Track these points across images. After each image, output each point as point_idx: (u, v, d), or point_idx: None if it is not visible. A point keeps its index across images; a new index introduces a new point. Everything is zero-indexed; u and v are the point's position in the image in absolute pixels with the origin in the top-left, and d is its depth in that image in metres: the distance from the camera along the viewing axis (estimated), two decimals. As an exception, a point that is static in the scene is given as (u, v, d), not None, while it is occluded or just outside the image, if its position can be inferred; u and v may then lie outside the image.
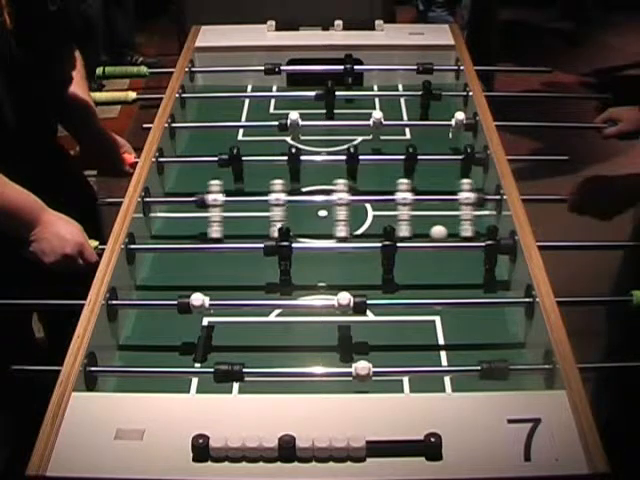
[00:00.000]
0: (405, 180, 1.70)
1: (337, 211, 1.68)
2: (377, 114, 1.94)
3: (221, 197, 1.69)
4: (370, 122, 1.94)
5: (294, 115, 1.93)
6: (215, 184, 1.70)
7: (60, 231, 1.59)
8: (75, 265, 1.59)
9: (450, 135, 1.96)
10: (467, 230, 1.68)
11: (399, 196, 1.68)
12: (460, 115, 1.94)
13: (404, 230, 1.66)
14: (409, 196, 1.67)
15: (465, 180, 1.71)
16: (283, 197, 1.68)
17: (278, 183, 1.69)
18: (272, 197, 1.67)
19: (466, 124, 1.95)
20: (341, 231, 1.67)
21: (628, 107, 2.03)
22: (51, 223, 1.58)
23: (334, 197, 1.68)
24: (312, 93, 2.13)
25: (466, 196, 1.68)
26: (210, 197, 1.69)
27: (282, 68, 2.26)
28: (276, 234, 1.63)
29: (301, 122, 1.94)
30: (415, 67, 2.22)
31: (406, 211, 1.67)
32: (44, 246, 1.58)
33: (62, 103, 1.85)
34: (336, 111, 2.10)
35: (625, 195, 1.75)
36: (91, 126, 1.92)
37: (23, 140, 1.65)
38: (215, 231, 1.68)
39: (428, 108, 2.11)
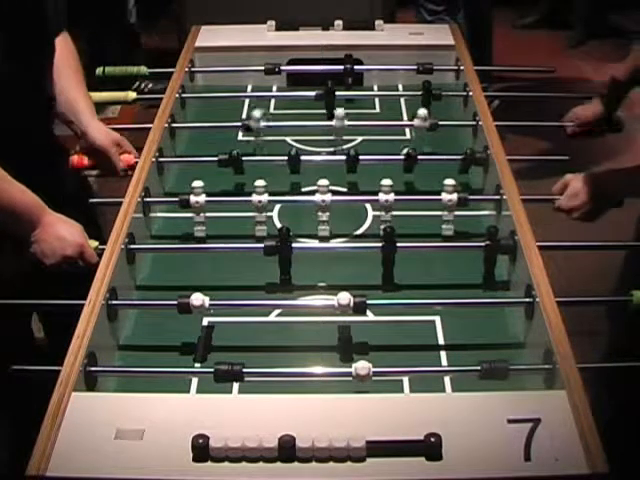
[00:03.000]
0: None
1: (319, 212, 1.69)
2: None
3: (203, 198, 1.69)
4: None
5: (257, 113, 1.94)
6: (198, 185, 1.71)
7: (60, 232, 1.58)
8: (75, 266, 1.58)
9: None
10: (449, 230, 1.69)
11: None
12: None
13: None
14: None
15: (448, 181, 1.70)
16: (265, 198, 1.68)
17: (260, 185, 1.70)
18: (255, 199, 1.68)
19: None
20: (324, 230, 1.69)
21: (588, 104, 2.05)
22: (51, 224, 1.58)
23: (317, 198, 1.69)
24: (312, 93, 2.14)
25: (449, 197, 1.68)
26: (192, 199, 1.70)
27: (282, 68, 2.26)
28: (264, 234, 1.66)
29: (263, 123, 1.94)
30: (415, 67, 2.22)
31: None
32: (44, 247, 1.57)
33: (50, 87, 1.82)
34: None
35: (608, 195, 1.73)
36: (84, 122, 1.86)
37: (20, 133, 1.64)
38: (199, 231, 1.71)
39: (428, 108, 2.11)
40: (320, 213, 1.69)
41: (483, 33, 3.92)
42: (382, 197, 1.69)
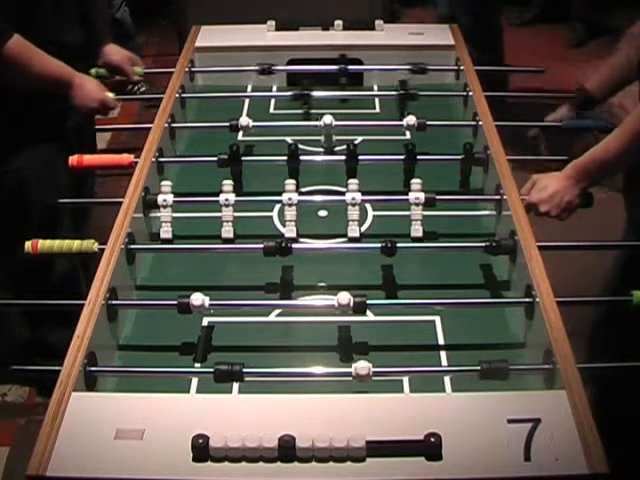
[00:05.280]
0: (355, 180, 1.70)
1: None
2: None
3: (170, 197, 1.69)
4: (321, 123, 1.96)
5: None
6: (227, 184, 1.70)
7: (85, 91, 2.12)
8: (99, 112, 2.21)
9: None
10: (417, 230, 1.67)
11: (348, 196, 1.68)
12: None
13: (354, 231, 1.67)
14: (358, 196, 1.67)
15: (415, 180, 1.70)
16: (232, 197, 1.67)
17: (227, 184, 1.69)
18: (222, 198, 1.67)
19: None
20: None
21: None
22: (80, 85, 2.11)
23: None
24: (312, 93, 2.14)
25: (416, 196, 1.68)
26: (160, 197, 1.70)
27: (278, 68, 2.26)
28: (230, 235, 1.65)
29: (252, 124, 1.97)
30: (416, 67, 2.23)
31: (357, 211, 1.68)
32: (77, 103, 2.12)
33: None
34: (336, 111, 2.10)
35: (575, 185, 1.72)
36: (103, 46, 2.39)
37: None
38: (165, 231, 1.70)
39: (405, 108, 2.13)
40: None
41: (492, 36, 3.90)
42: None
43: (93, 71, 2.34)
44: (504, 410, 1.20)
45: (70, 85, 2.10)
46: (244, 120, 1.97)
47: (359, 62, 2.31)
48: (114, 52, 2.40)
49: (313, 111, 2.10)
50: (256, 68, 2.26)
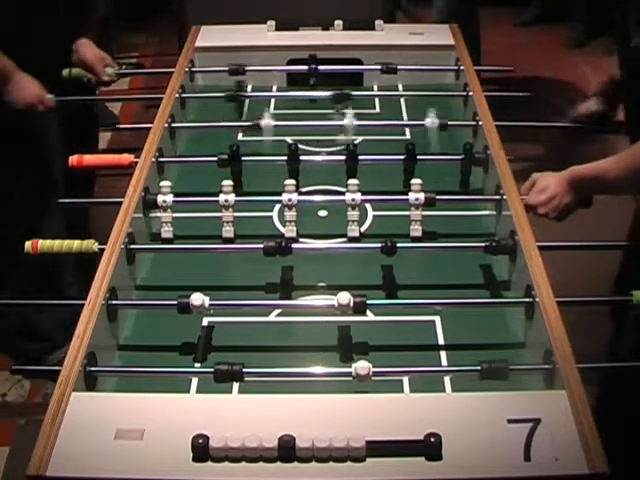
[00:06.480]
0: (355, 181, 1.69)
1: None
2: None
3: (170, 198, 1.69)
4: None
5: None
6: (227, 184, 1.70)
7: (24, 86, 2.12)
8: (36, 109, 2.14)
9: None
10: (417, 231, 1.67)
11: (348, 197, 1.67)
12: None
13: (354, 231, 1.67)
14: (358, 197, 1.66)
15: (415, 180, 1.70)
16: (232, 198, 1.67)
17: (227, 184, 1.69)
18: (222, 199, 1.67)
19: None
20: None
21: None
22: (19, 81, 2.11)
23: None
24: (311, 93, 2.14)
25: (416, 197, 1.68)
26: (160, 198, 1.69)
27: (246, 69, 2.26)
28: (231, 234, 1.66)
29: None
30: (416, 67, 2.23)
31: (356, 212, 1.67)
32: (14, 97, 2.11)
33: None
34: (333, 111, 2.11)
35: (575, 191, 1.71)
36: (77, 42, 2.32)
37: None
38: (166, 231, 1.70)
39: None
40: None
41: (473, 45, 3.89)
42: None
43: (65, 72, 2.28)
44: (504, 410, 1.20)
45: (9, 80, 2.09)
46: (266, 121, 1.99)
47: (359, 62, 2.31)
48: (87, 49, 2.31)
49: (312, 111, 2.10)
50: (261, 68, 2.26)
